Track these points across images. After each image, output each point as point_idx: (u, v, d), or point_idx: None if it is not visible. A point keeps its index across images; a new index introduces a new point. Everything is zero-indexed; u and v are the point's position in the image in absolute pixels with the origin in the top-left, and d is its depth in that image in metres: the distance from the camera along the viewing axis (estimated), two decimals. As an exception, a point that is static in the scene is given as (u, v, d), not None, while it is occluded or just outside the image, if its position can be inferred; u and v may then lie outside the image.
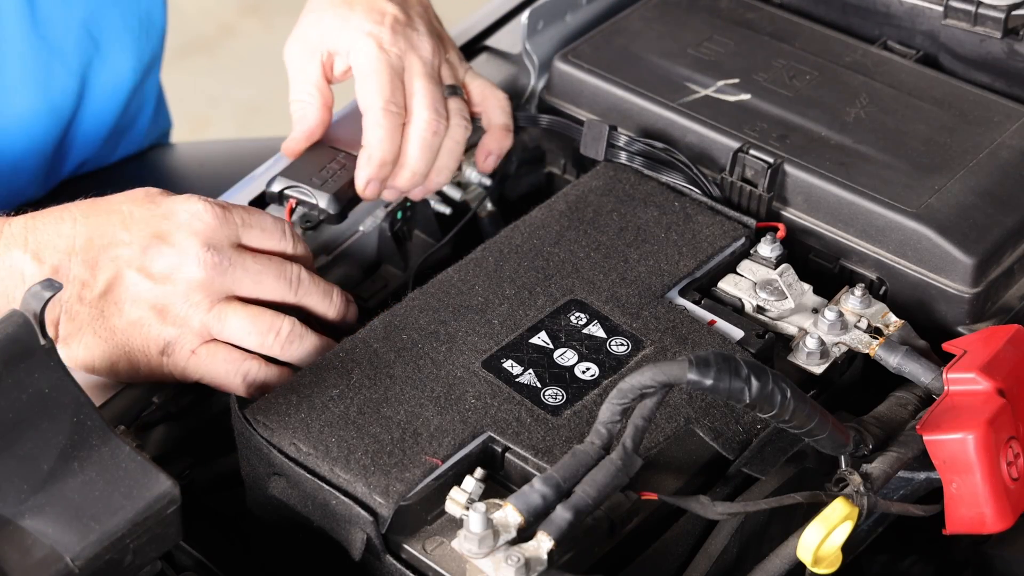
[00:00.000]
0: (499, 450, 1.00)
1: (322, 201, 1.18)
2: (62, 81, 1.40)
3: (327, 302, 1.12)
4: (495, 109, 1.27)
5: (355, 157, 1.23)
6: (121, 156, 1.60)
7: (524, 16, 1.36)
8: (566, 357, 1.06)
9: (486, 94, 1.27)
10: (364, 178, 1.19)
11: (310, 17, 1.25)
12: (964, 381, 1.01)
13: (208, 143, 1.89)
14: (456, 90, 1.24)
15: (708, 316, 1.10)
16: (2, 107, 1.38)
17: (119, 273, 1.04)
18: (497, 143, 1.27)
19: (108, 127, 1.49)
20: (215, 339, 1.07)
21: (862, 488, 0.96)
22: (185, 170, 1.68)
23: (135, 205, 1.06)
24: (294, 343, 1.08)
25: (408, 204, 1.27)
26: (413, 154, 1.19)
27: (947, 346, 1.05)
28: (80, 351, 1.05)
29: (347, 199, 1.19)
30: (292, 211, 1.18)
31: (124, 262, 1.04)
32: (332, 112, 1.25)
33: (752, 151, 1.19)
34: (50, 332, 1.01)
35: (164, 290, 1.05)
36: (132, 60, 1.47)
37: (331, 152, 1.23)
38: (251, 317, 1.06)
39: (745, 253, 1.16)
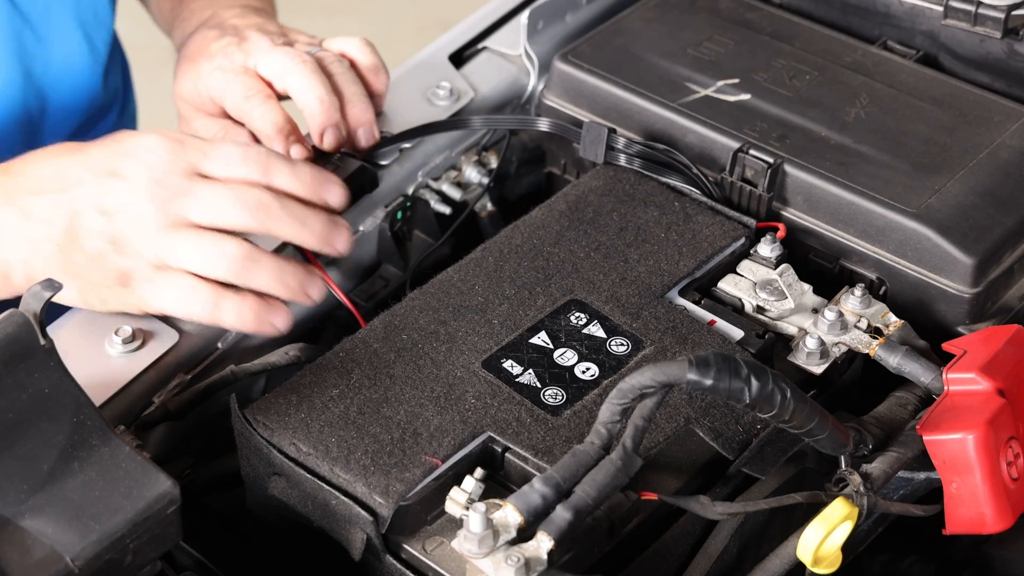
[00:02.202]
0: (499, 450, 1.00)
1: None
2: (33, 49, 1.40)
3: (301, 229, 1.08)
4: (357, 53, 1.27)
5: (351, 157, 1.23)
6: None
7: (524, 16, 1.36)
8: (566, 357, 1.06)
9: (345, 46, 1.28)
10: (282, 149, 1.20)
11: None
12: (964, 381, 1.01)
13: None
14: (318, 48, 1.26)
15: (708, 316, 1.10)
16: None
17: (78, 211, 1.07)
18: (376, 83, 1.27)
19: (81, 115, 1.49)
20: (171, 267, 1.07)
21: (862, 488, 0.96)
22: None
23: (100, 146, 1.09)
24: (248, 268, 1.06)
25: (408, 204, 1.27)
26: (298, 84, 1.20)
27: (947, 346, 1.05)
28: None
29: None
30: None
31: (83, 201, 1.07)
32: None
33: (752, 151, 1.19)
34: (22, 272, 1.06)
35: (116, 222, 1.06)
36: (86, 54, 1.46)
37: (327, 154, 1.23)
38: (195, 242, 1.06)
39: (745, 253, 1.16)
